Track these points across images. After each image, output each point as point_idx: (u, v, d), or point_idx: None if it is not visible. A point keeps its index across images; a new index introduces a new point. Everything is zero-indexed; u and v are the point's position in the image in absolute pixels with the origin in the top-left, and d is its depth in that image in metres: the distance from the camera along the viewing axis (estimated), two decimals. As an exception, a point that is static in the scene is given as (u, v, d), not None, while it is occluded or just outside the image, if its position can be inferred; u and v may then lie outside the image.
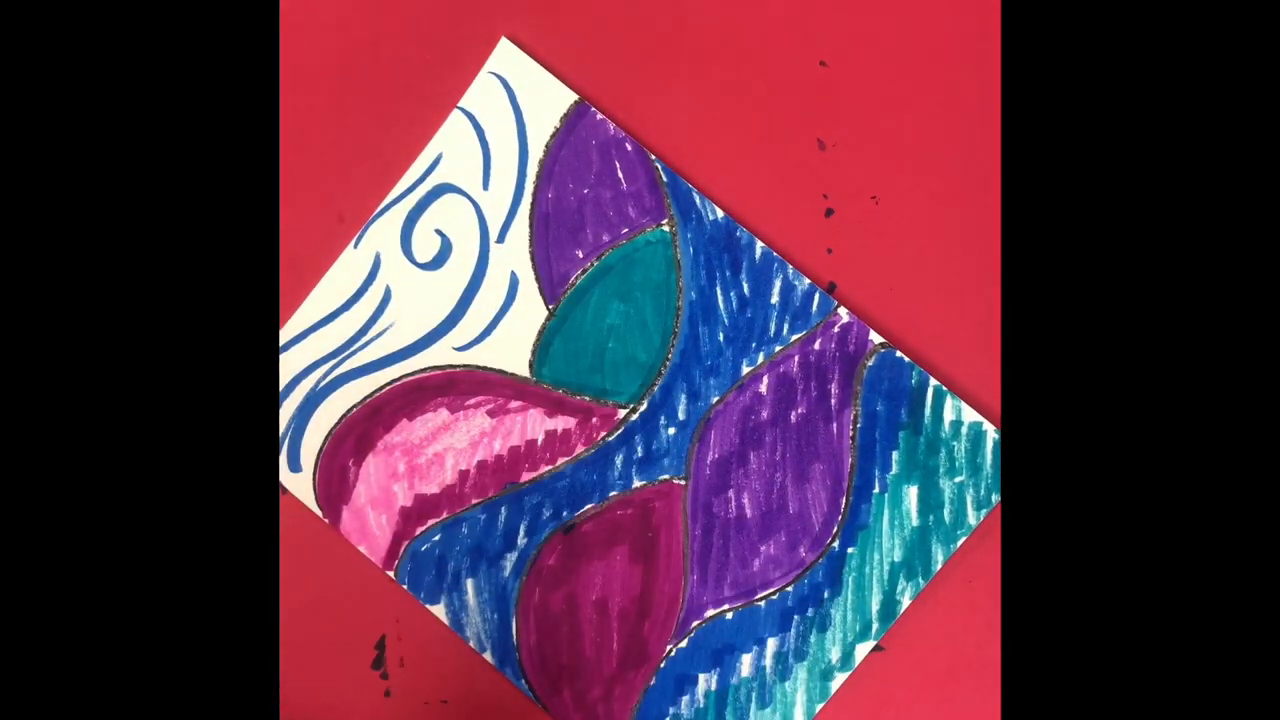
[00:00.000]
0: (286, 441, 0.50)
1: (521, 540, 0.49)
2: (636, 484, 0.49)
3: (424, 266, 0.50)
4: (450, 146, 0.50)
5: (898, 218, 0.49)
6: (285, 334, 0.50)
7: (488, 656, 0.49)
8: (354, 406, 0.50)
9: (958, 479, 0.48)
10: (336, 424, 0.50)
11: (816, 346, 0.49)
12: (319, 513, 0.50)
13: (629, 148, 0.50)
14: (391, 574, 0.49)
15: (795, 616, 0.48)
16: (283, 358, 0.50)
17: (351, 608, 0.50)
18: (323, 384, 0.50)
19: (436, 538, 0.49)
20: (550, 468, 0.49)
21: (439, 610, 0.49)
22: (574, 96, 0.50)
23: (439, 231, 0.50)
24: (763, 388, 0.49)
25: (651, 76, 0.50)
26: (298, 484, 0.50)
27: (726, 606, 0.49)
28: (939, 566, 0.48)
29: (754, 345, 0.49)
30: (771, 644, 0.48)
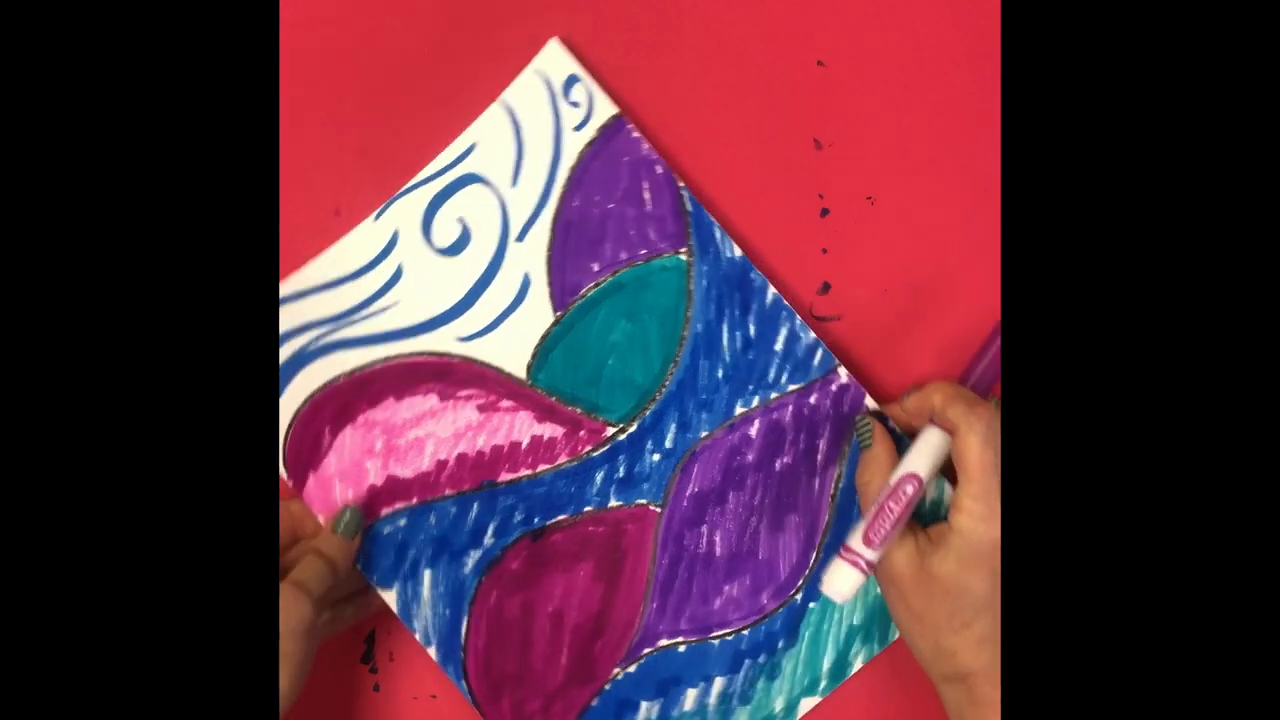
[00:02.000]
0: (269, 399, 0.49)
1: (489, 539, 0.49)
2: (613, 503, 0.49)
3: (440, 252, 0.50)
4: (486, 138, 0.50)
5: (894, 218, 0.50)
6: (287, 288, 0.49)
7: (431, 652, 0.48)
8: (341, 375, 0.49)
9: (926, 553, 0.49)
10: (320, 389, 0.49)
11: (812, 400, 0.49)
12: (283, 474, 0.49)
13: (659, 170, 0.50)
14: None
15: (747, 660, 0.49)
16: (280, 310, 0.49)
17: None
18: (314, 346, 0.49)
19: (402, 522, 0.49)
20: (530, 472, 0.49)
21: (389, 596, 0.48)
22: (614, 109, 0.50)
23: (461, 220, 0.50)
24: (753, 431, 0.49)
25: (649, 73, 0.50)
26: (272, 444, 0.49)
27: (680, 639, 0.49)
28: (896, 638, 0.48)
29: (750, 387, 0.50)
30: (719, 683, 0.49)
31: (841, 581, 0.43)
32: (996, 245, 0.49)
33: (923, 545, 0.43)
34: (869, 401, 0.49)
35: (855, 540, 0.44)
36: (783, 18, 0.50)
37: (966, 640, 0.42)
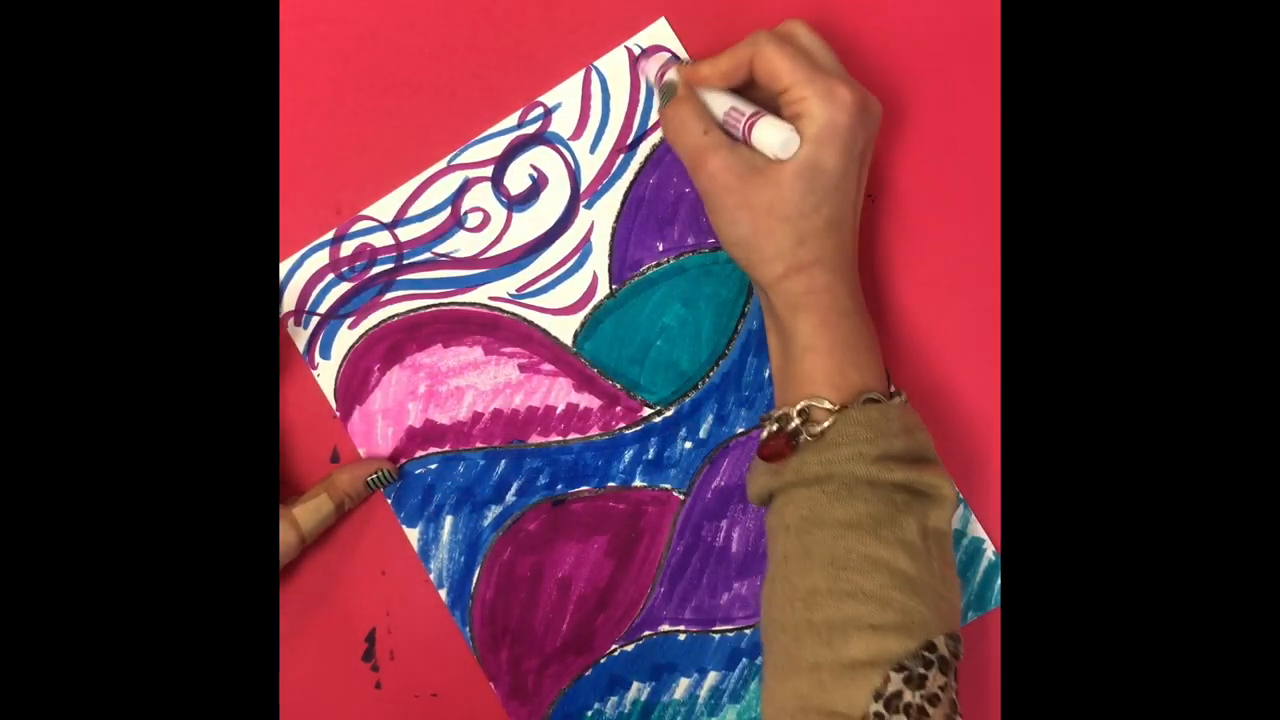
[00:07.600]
0: (326, 326, 0.50)
1: (511, 497, 0.50)
2: (637, 483, 0.49)
3: (508, 204, 0.50)
4: (572, 100, 0.50)
5: (895, 216, 0.50)
6: (359, 224, 0.50)
7: (442, 594, 0.50)
8: (395, 316, 0.50)
9: (942, 587, 0.48)
10: (375, 326, 0.50)
11: (853, 415, 0.49)
12: (333, 405, 0.50)
13: (741, 159, 0.49)
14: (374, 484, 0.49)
15: (744, 659, 0.49)
16: (348, 244, 0.50)
17: (342, 601, 0.50)
18: (377, 282, 0.50)
19: (433, 466, 0.50)
20: (560, 439, 0.50)
21: (412, 534, 0.50)
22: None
23: (533, 176, 0.50)
24: (788, 435, 0.49)
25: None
26: (323, 371, 0.50)
27: (683, 627, 0.49)
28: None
29: (794, 392, 0.49)
30: (712, 677, 0.49)
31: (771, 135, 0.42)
32: (996, 243, 0.49)
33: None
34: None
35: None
36: (782, 15, 0.49)
37: (816, 224, 0.42)
